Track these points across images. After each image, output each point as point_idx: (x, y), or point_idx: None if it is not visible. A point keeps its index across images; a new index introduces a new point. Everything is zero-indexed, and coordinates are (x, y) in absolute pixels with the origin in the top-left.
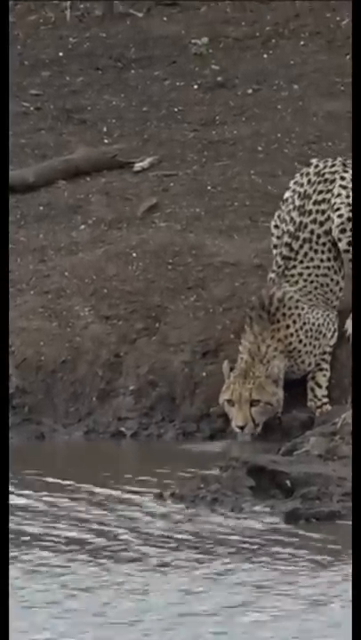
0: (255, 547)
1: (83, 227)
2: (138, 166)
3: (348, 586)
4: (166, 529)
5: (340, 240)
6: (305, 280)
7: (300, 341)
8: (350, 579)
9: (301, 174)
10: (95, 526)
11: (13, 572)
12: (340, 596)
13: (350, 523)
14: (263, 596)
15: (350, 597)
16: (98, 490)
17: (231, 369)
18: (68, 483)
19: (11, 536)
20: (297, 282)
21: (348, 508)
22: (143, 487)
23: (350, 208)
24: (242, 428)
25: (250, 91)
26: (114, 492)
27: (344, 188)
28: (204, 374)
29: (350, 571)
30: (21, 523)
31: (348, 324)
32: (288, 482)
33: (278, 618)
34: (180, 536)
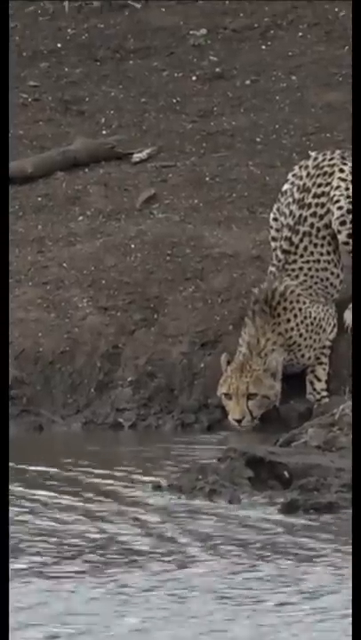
0: None
1: (81, 218)
2: (136, 157)
3: None
4: None
5: (339, 232)
6: (305, 274)
7: (301, 335)
8: None
9: (300, 167)
10: None
11: None
12: None
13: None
14: None
15: None
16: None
17: (229, 362)
18: None
19: None
20: (297, 276)
21: (346, 499)
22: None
23: (350, 200)
24: (238, 421)
25: (248, 82)
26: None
27: (343, 180)
28: (202, 365)
29: None
30: None
31: (347, 315)
32: (286, 473)
33: None
34: None
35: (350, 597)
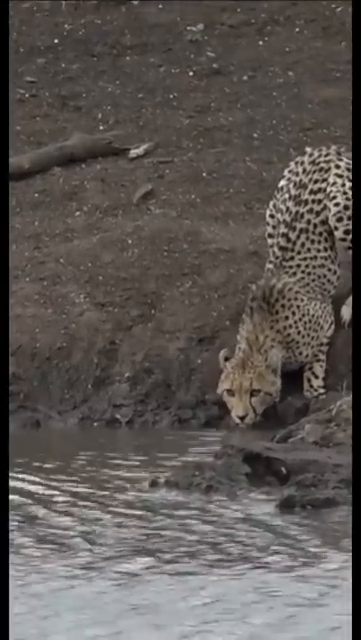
0: None
1: (78, 213)
2: (133, 153)
3: None
4: None
5: (336, 229)
6: (303, 272)
7: (299, 333)
8: None
9: (296, 163)
10: None
11: None
12: None
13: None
14: None
15: None
16: None
17: (227, 358)
18: None
19: None
20: (295, 273)
21: (342, 494)
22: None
23: (346, 196)
24: (242, 418)
25: (245, 77)
26: None
27: (339, 176)
28: (199, 361)
29: None
30: None
31: (344, 311)
32: (283, 469)
33: None
34: None
35: None
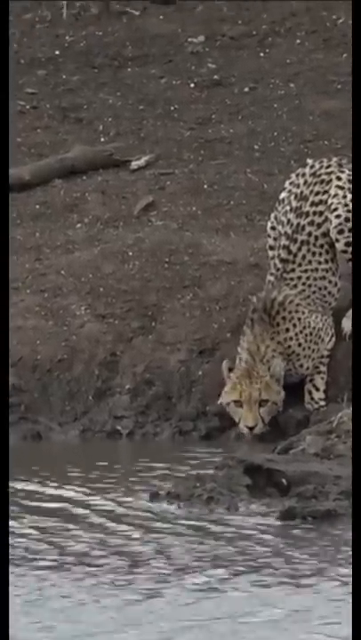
0: None
1: (79, 225)
2: (134, 165)
3: None
4: None
5: (337, 241)
6: (303, 284)
7: (300, 345)
8: None
9: (297, 175)
10: None
11: None
12: None
13: None
14: None
15: None
16: None
17: (230, 369)
18: None
19: None
20: (296, 285)
21: (343, 506)
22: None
23: (347, 208)
24: (251, 428)
25: (246, 89)
26: None
27: (341, 188)
28: (200, 373)
29: None
30: None
31: (345, 323)
32: (284, 480)
33: None
34: None
35: None
